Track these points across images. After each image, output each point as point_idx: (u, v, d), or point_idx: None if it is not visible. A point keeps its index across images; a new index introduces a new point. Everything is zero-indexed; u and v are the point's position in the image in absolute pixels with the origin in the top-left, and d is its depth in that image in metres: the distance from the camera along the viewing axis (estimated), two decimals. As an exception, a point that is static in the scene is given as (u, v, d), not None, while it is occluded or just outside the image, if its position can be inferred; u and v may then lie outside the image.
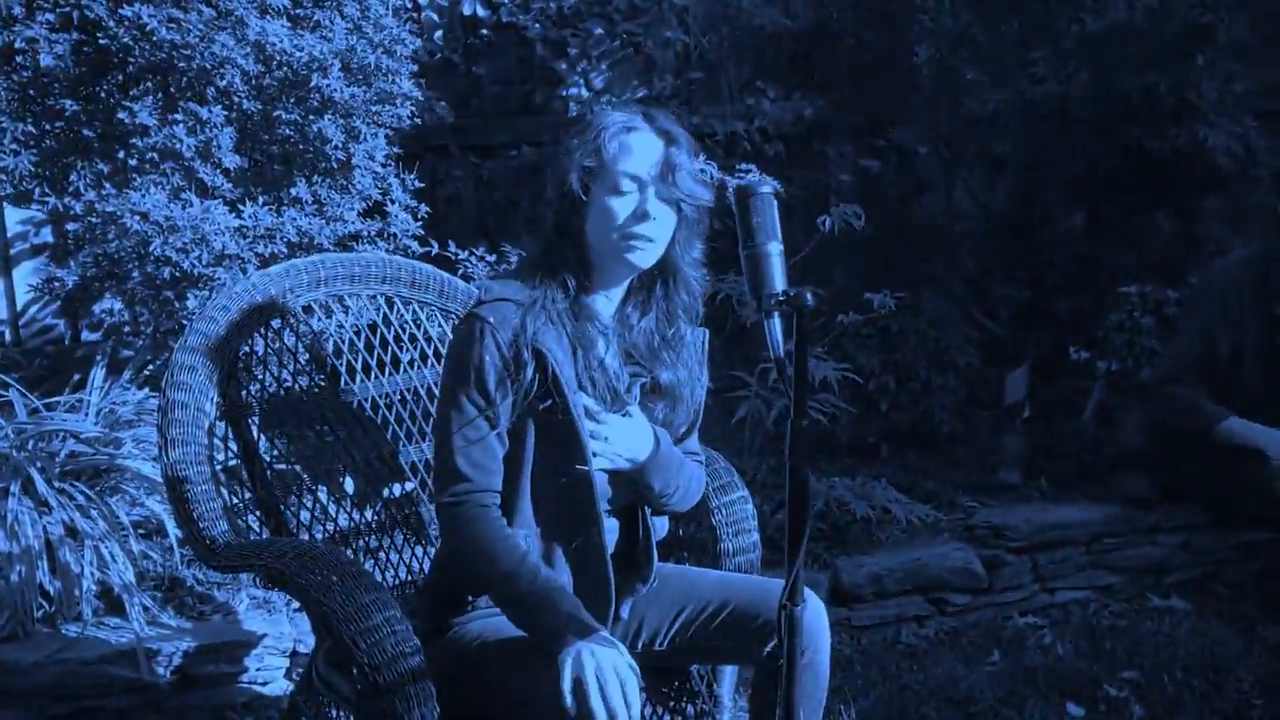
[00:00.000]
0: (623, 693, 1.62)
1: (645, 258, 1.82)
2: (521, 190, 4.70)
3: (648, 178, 1.77)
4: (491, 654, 1.83)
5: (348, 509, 2.32)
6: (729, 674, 2.18)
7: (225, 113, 3.11)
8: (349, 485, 2.37)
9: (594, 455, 1.82)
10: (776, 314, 1.56)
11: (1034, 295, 3.97)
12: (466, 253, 3.59)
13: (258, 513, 2.16)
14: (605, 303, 1.88)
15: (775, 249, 1.56)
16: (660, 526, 2.02)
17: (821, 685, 1.92)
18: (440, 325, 2.48)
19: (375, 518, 2.36)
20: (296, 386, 2.30)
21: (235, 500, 2.13)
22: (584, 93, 4.32)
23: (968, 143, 3.83)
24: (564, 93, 4.31)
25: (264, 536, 2.09)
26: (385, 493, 2.38)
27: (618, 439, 1.84)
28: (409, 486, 2.38)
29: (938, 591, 3.06)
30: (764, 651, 1.90)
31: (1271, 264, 3.09)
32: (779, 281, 1.56)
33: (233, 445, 2.16)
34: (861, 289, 3.88)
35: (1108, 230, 4.04)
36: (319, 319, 2.33)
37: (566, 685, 1.62)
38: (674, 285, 1.89)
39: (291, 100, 3.23)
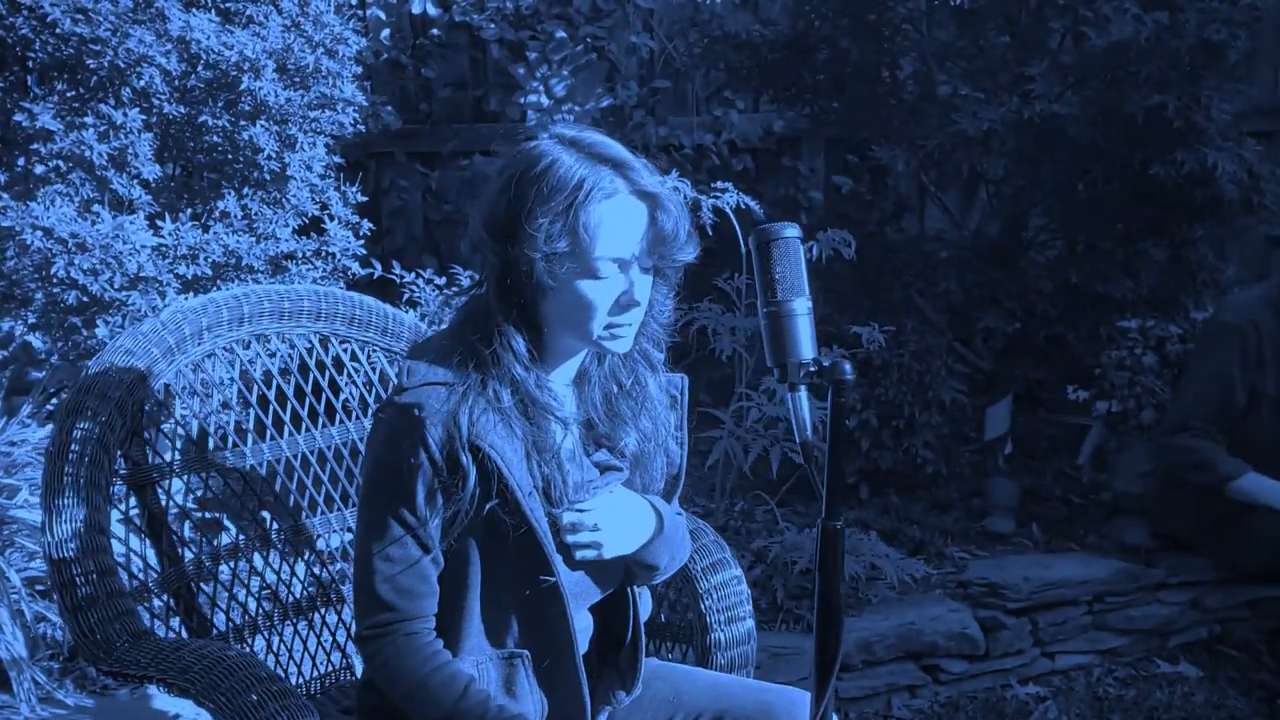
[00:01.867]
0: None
1: (624, 344, 1.49)
2: (473, 202, 4.37)
3: (631, 256, 1.44)
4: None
5: (269, 586, 1.99)
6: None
7: (143, 117, 2.77)
8: (272, 558, 2.04)
9: (586, 547, 1.51)
10: (804, 388, 1.28)
11: (1023, 326, 3.72)
12: (413, 274, 3.27)
13: (164, 597, 1.82)
14: (560, 375, 1.54)
15: (803, 307, 1.28)
16: (645, 607, 1.71)
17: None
18: (384, 367, 2.16)
19: (301, 594, 2.04)
20: (214, 445, 1.96)
21: (138, 582, 1.79)
22: (544, 100, 4.00)
23: (958, 163, 3.57)
24: (521, 100, 4.00)
25: (170, 634, 1.75)
26: (305, 570, 2.05)
27: (611, 524, 1.52)
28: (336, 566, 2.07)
29: (931, 658, 2.79)
30: (766, 773, 1.62)
31: (1293, 303, 2.86)
32: (808, 348, 1.28)
33: (136, 517, 1.83)
34: (843, 319, 3.61)
35: (1100, 258, 3.80)
36: (243, 362, 2.00)
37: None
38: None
39: (219, 104, 2.89)
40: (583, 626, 1.59)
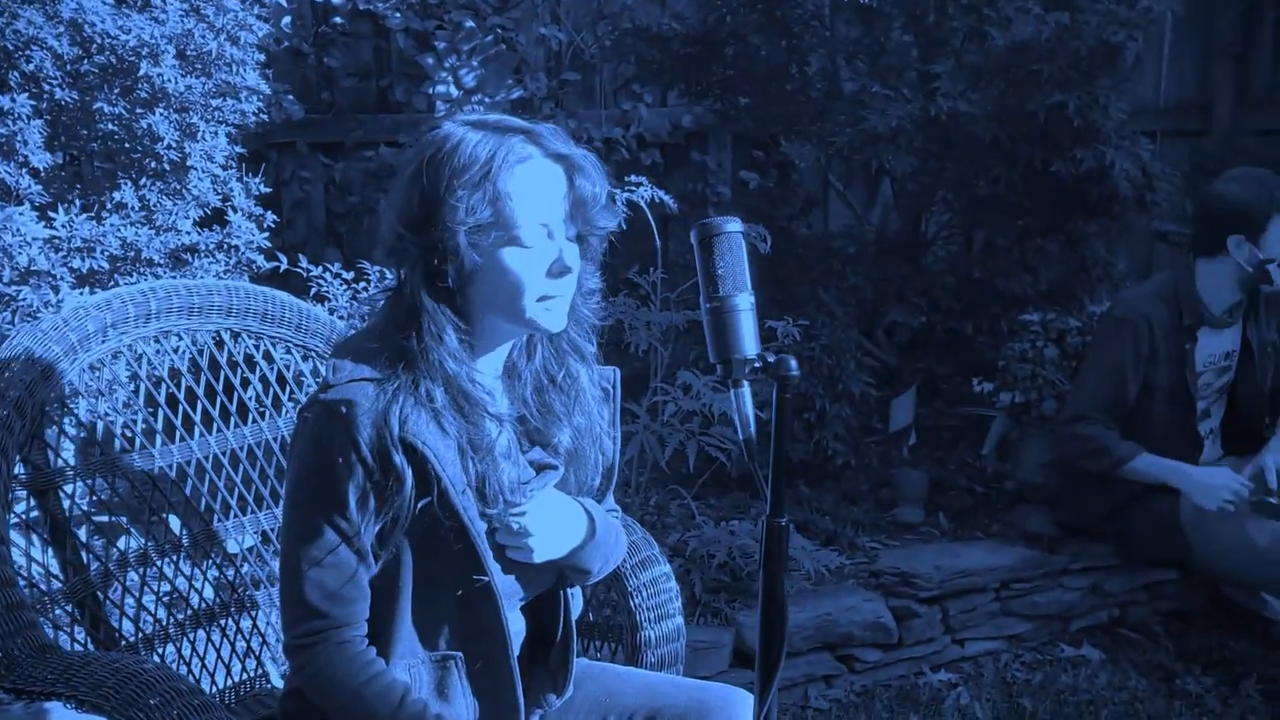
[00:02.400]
0: None
1: (559, 319, 1.46)
2: (379, 194, 4.28)
3: (556, 219, 1.42)
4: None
5: (179, 593, 1.91)
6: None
7: (33, 102, 2.62)
8: (182, 563, 1.96)
9: (519, 549, 1.48)
10: (747, 383, 1.27)
11: (927, 320, 3.79)
12: (320, 269, 3.18)
13: (69, 606, 1.73)
14: (490, 367, 1.50)
15: (746, 302, 1.27)
16: (576, 608, 1.69)
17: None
18: (298, 365, 2.10)
19: (214, 600, 1.97)
20: (120, 446, 1.88)
21: (40, 592, 1.70)
22: (453, 91, 3.93)
23: (868, 159, 3.62)
24: (430, 90, 3.92)
25: (75, 646, 1.67)
26: (217, 575, 1.98)
27: (543, 527, 1.49)
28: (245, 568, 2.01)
29: (847, 648, 2.82)
30: (701, 771, 1.61)
31: (1182, 297, 2.96)
32: (751, 344, 1.26)
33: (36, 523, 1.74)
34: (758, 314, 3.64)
35: (1000, 253, 3.90)
36: (150, 359, 1.92)
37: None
38: None
39: (116, 91, 2.76)
40: (516, 629, 1.57)
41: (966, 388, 3.87)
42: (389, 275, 2.93)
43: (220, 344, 2.00)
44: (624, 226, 3.17)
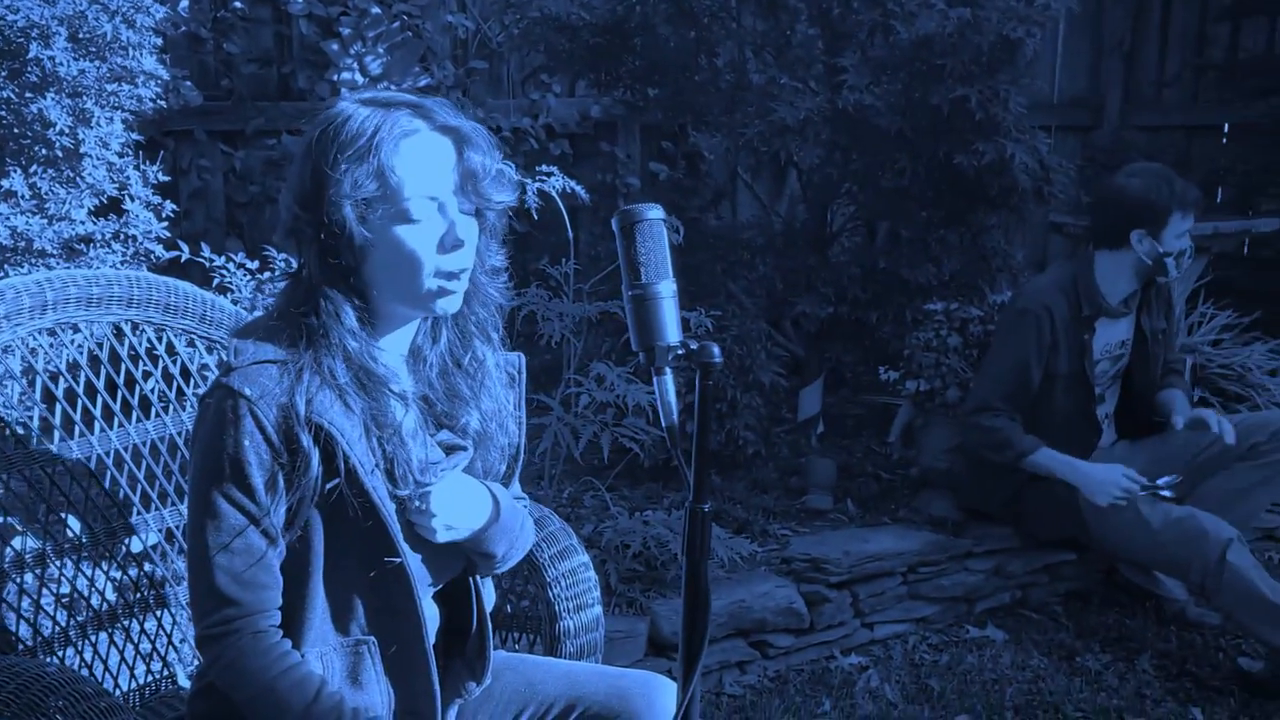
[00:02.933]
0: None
1: (455, 302, 1.44)
2: (281, 183, 4.19)
3: (445, 192, 1.40)
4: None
5: (79, 594, 1.84)
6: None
7: (-87, 85, 2.52)
8: (83, 563, 1.89)
9: (430, 530, 1.47)
10: (670, 371, 1.27)
11: (835, 311, 3.84)
12: (223, 258, 3.10)
13: (-39, 610, 1.66)
14: (393, 345, 1.48)
15: (668, 290, 1.27)
16: (489, 598, 1.68)
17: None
18: (202, 357, 2.04)
19: (117, 601, 1.90)
20: (12, 439, 1.80)
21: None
22: (358, 78, 3.86)
23: (776, 151, 3.65)
24: (335, 77, 3.85)
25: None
26: (120, 575, 1.92)
27: (448, 509, 1.48)
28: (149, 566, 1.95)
29: (760, 634, 2.85)
30: (622, 759, 1.61)
31: (1081, 288, 3.05)
32: (674, 331, 1.26)
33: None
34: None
35: (904, 245, 3.97)
36: (46, 352, 1.85)
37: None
38: (467, 302, 1.50)
39: (4, 73, 2.65)
40: (429, 615, 1.54)
41: (872, 377, 3.94)
42: (294, 262, 2.88)
43: (120, 336, 1.93)
44: (535, 216, 3.19)
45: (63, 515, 1.83)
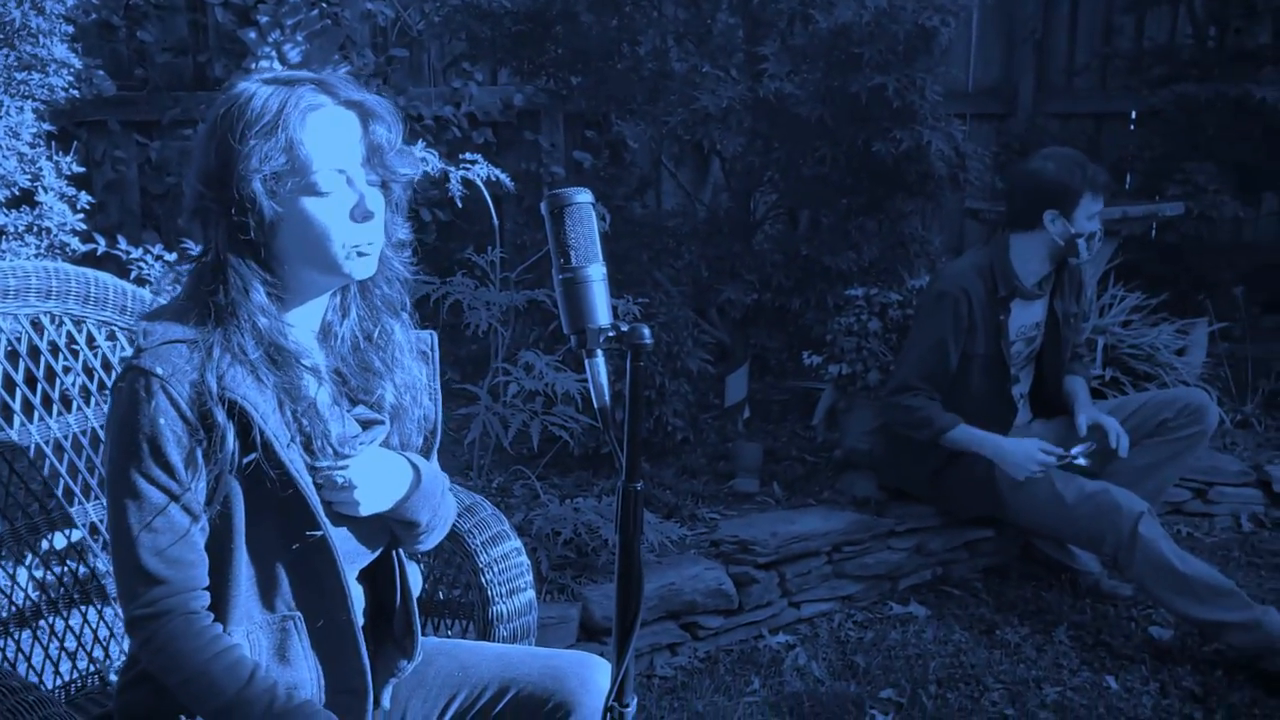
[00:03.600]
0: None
1: (370, 264, 1.47)
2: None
3: (352, 164, 1.42)
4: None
5: (3, 590, 1.81)
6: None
7: None
8: (3, 561, 1.86)
9: (352, 503, 1.47)
10: (601, 353, 1.29)
11: (759, 298, 3.90)
12: (140, 250, 3.05)
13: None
14: (304, 321, 1.50)
15: (598, 273, 1.29)
16: (415, 579, 1.69)
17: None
18: (124, 350, 2.01)
19: (37, 596, 1.87)
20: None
21: None
22: (277, 66, 3.81)
23: (699, 139, 3.69)
24: (253, 65, 3.79)
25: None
26: (38, 561, 1.89)
27: (369, 481, 1.49)
28: (67, 545, 1.92)
29: (690, 615, 2.89)
30: (556, 740, 1.63)
31: (997, 271, 3.14)
32: (604, 313, 1.28)
33: None
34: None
35: (825, 231, 4.04)
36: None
37: (330, 822, 1.28)
38: (374, 275, 1.51)
39: (-95, 60, 2.58)
40: (355, 595, 1.55)
41: (796, 362, 4.00)
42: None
43: (39, 329, 1.90)
44: (460, 205, 3.17)
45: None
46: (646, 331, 1.25)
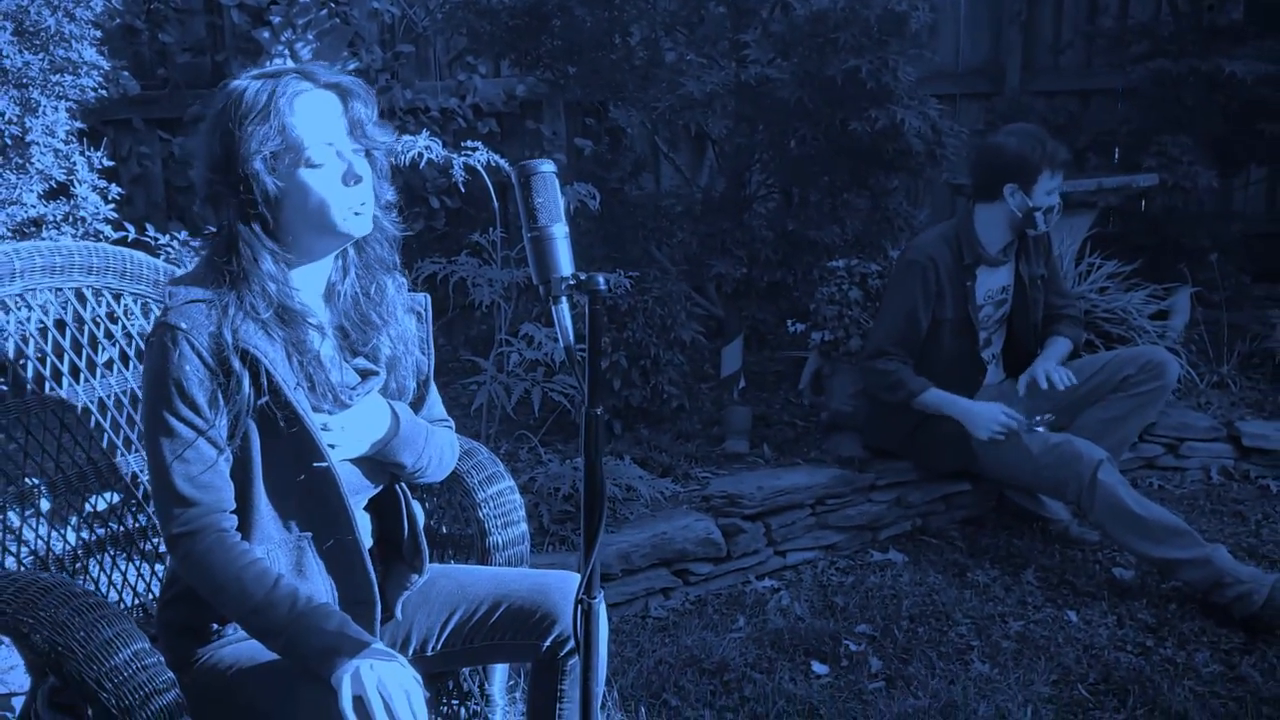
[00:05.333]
0: (409, 705, 1.53)
1: (365, 222, 1.71)
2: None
3: (339, 137, 1.66)
4: (250, 683, 1.68)
5: (58, 530, 2.06)
6: (500, 672, 2.12)
7: None
8: (46, 504, 2.10)
9: (332, 447, 1.71)
10: (565, 299, 1.51)
11: (749, 272, 4.12)
12: (167, 237, 3.30)
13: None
14: (310, 283, 1.74)
15: (560, 231, 1.51)
16: (418, 510, 1.93)
17: (603, 673, 1.90)
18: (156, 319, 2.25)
19: (89, 537, 2.12)
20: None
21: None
22: (289, 64, 4.04)
23: (687, 123, 3.91)
24: (267, 64, 4.02)
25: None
26: (89, 509, 2.13)
27: (352, 425, 1.74)
28: (114, 499, 2.16)
29: (681, 563, 3.12)
30: (544, 646, 1.87)
31: (963, 239, 3.35)
32: (566, 265, 1.51)
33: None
34: (591, 269, 3.90)
35: (812, 208, 4.26)
36: (15, 317, 2.05)
37: (347, 704, 1.51)
38: (367, 237, 1.77)
39: (-47, 66, 2.83)
40: (361, 520, 1.78)
41: (786, 333, 4.23)
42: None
43: (83, 300, 2.14)
44: (462, 190, 3.40)
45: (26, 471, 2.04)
46: (601, 279, 1.47)
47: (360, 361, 1.78)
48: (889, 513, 3.50)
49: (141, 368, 1.87)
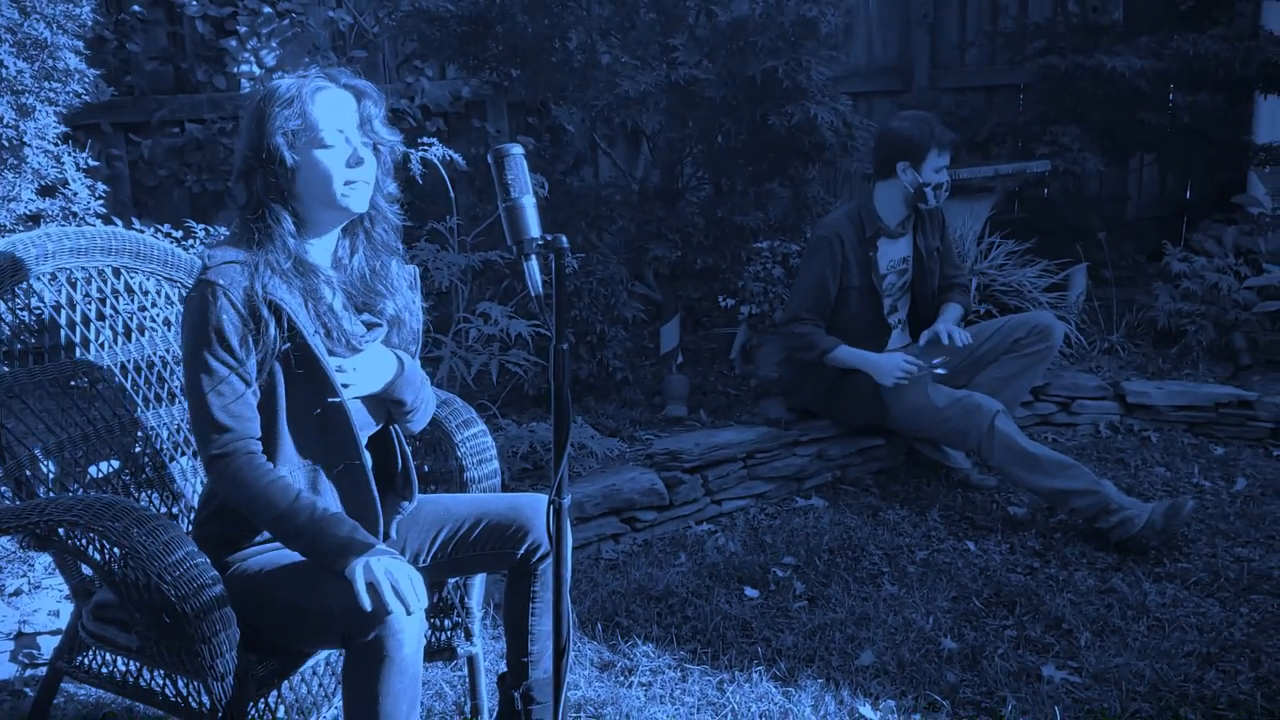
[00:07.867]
0: (412, 587, 1.88)
1: (361, 200, 2.04)
2: (187, 169, 4.65)
3: (350, 128, 2.01)
4: (277, 581, 2.01)
5: (93, 476, 2.37)
6: (478, 587, 2.47)
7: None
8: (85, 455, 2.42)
9: (345, 386, 2.05)
10: (535, 256, 1.87)
11: (684, 255, 4.51)
12: (151, 229, 3.59)
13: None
14: (320, 252, 2.08)
15: (529, 201, 1.87)
16: (409, 451, 2.27)
17: (569, 572, 2.26)
18: (168, 294, 2.57)
19: (120, 482, 2.43)
20: (30, 359, 2.32)
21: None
22: (255, 69, 4.36)
23: (623, 120, 4.28)
24: (235, 69, 4.33)
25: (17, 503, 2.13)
26: (90, 476, 2.44)
27: (363, 367, 2.08)
28: (137, 450, 2.47)
29: (629, 511, 3.49)
30: (518, 554, 2.23)
31: (864, 215, 3.77)
32: (534, 228, 1.87)
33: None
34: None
35: (739, 196, 4.66)
36: (50, 292, 2.36)
37: (361, 589, 1.83)
38: (374, 223, 2.12)
39: (-42, 76, 3.11)
40: (366, 454, 2.13)
41: (719, 312, 4.63)
42: (214, 232, 3.41)
43: (104, 278, 2.46)
44: (420, 182, 3.75)
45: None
46: (564, 239, 1.84)
47: (366, 316, 2.13)
48: (812, 465, 3.91)
49: (181, 316, 2.21)
